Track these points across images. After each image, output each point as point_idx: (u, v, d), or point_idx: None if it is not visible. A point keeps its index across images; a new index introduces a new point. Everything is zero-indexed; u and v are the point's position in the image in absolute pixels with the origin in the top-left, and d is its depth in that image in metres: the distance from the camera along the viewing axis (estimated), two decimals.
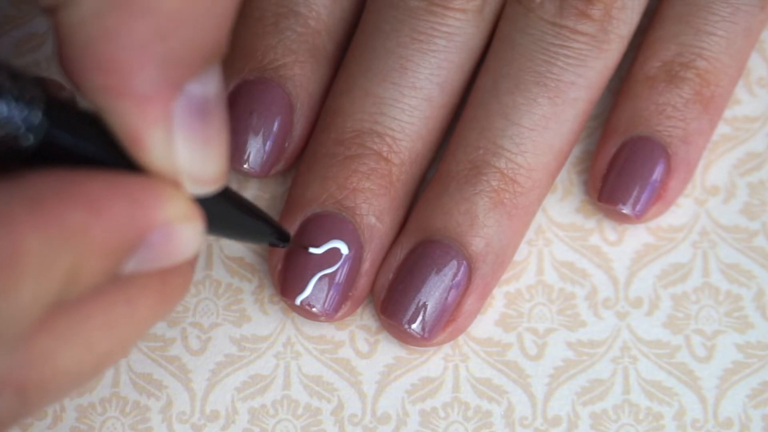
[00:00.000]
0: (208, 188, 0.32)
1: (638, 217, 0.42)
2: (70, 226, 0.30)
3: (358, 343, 0.42)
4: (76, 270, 0.30)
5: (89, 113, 0.31)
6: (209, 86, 0.31)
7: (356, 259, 0.40)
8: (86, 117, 0.31)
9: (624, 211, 0.41)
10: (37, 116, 0.30)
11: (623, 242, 0.43)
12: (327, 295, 0.40)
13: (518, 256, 0.43)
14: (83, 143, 0.31)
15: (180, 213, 0.31)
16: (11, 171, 0.30)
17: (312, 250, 0.40)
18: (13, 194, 0.29)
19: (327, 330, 0.42)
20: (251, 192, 0.43)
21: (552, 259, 0.43)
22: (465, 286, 0.40)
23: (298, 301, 0.40)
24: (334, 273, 0.40)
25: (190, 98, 0.31)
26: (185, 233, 0.32)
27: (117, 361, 0.36)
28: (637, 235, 0.43)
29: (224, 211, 0.34)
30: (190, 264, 0.34)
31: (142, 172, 0.31)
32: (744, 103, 0.44)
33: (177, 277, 0.33)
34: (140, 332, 0.33)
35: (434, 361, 0.42)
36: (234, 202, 0.35)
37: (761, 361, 0.42)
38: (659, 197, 0.41)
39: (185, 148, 0.31)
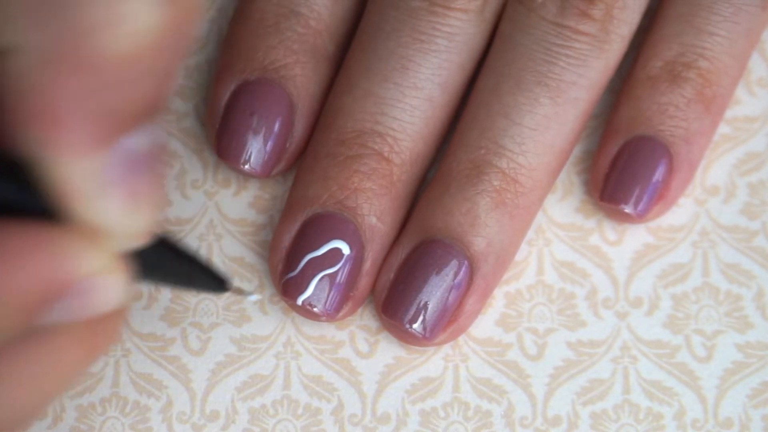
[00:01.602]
0: (137, 242, 0.31)
1: (640, 217, 0.42)
2: None
3: (358, 343, 0.42)
4: None
5: (10, 159, 0.31)
6: (144, 141, 0.30)
7: (357, 259, 0.40)
8: (6, 163, 0.31)
9: (626, 211, 0.41)
10: None
11: (623, 242, 0.43)
12: (328, 296, 0.40)
13: (518, 256, 0.43)
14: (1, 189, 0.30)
15: (101, 265, 0.31)
16: None
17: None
18: None
19: (327, 330, 0.42)
20: (251, 192, 0.43)
21: (552, 259, 0.43)
22: (466, 286, 0.40)
23: (299, 302, 0.40)
24: (336, 273, 0.40)
25: (124, 153, 0.30)
26: (108, 285, 0.31)
27: (39, 414, 0.35)
28: (637, 235, 0.43)
29: (159, 262, 0.34)
30: (119, 313, 0.33)
31: (64, 221, 0.31)
32: (744, 103, 0.44)
33: (106, 324, 0.32)
34: (67, 382, 0.32)
35: (434, 361, 0.42)
36: (170, 253, 0.34)
37: (761, 361, 0.42)
38: (661, 197, 0.41)
39: (113, 203, 0.30)
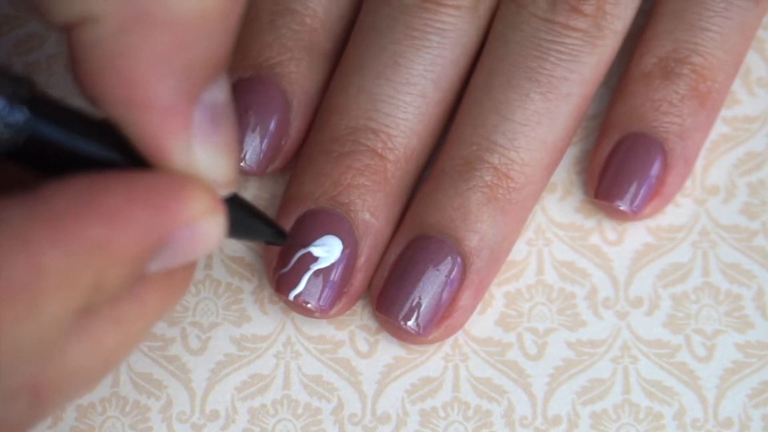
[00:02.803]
0: (225, 191, 0.33)
1: (635, 214, 0.42)
2: (90, 240, 0.30)
3: (358, 343, 0.42)
4: (101, 281, 0.30)
5: (102, 121, 0.32)
6: (221, 94, 0.32)
7: (351, 255, 0.40)
8: (79, 117, 0.32)
9: (621, 208, 0.41)
10: (21, 114, 0.30)
11: (623, 242, 0.43)
12: (321, 291, 0.40)
13: (518, 256, 0.43)
14: (76, 143, 0.31)
15: (204, 208, 0.32)
16: (26, 184, 0.31)
17: (311, 249, 0.40)
18: (30, 212, 0.30)
19: (327, 330, 0.42)
20: (250, 191, 0.44)
21: (552, 259, 0.43)
22: (460, 282, 0.40)
23: (291, 297, 0.40)
24: (329, 269, 0.40)
25: (206, 106, 0.32)
26: (209, 227, 0.32)
27: (125, 358, 0.36)
28: (637, 235, 0.43)
29: (232, 212, 0.34)
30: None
31: (159, 170, 0.32)
32: (744, 103, 0.44)
33: (181, 269, 0.33)
34: (148, 327, 0.33)
35: (434, 361, 0.42)
36: (239, 203, 0.35)
37: (761, 361, 0.42)
38: (656, 193, 0.41)
39: (203, 154, 0.32)
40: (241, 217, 0.35)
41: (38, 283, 0.29)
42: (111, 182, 0.31)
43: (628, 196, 0.41)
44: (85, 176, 0.31)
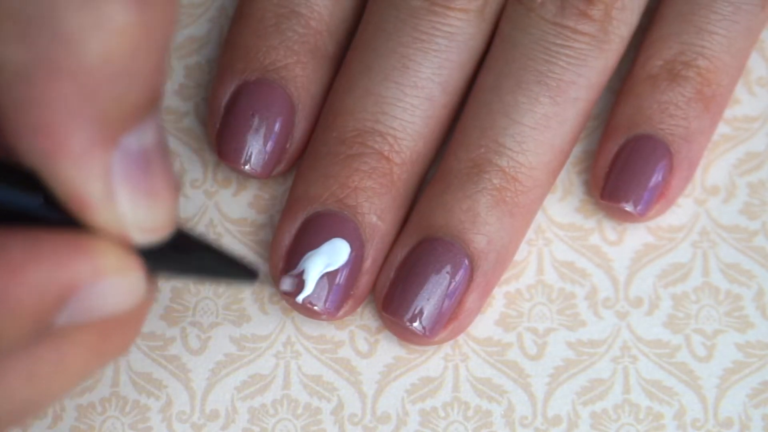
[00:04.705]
0: (156, 236, 0.31)
1: (641, 215, 0.42)
2: None
3: (358, 343, 0.42)
4: None
5: (18, 168, 0.31)
6: (146, 137, 0.31)
7: (358, 257, 0.40)
8: (14, 172, 0.31)
9: (627, 209, 0.41)
10: None
11: (623, 242, 0.43)
12: (328, 294, 0.40)
13: (518, 256, 0.43)
14: (10, 198, 0.31)
15: (113, 266, 0.31)
16: None
17: (318, 252, 0.40)
18: None
19: (327, 330, 0.42)
20: (251, 192, 0.43)
21: (552, 259, 0.43)
22: (466, 284, 0.40)
23: (300, 300, 0.40)
24: (336, 272, 0.40)
25: (130, 152, 0.30)
26: (120, 285, 0.31)
27: (44, 409, 0.35)
28: (637, 235, 0.43)
29: (182, 256, 0.34)
30: (137, 316, 0.33)
31: (77, 225, 0.31)
32: (744, 103, 0.44)
33: (118, 331, 0.32)
34: (69, 385, 0.32)
35: (434, 361, 0.42)
36: (193, 245, 0.34)
37: (761, 361, 0.42)
38: (662, 196, 0.42)
39: (127, 201, 0.30)
40: (199, 258, 0.33)
41: None
42: (11, 234, 0.30)
43: (635, 197, 0.41)
44: None
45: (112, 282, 0.31)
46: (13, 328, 0.30)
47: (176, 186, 0.32)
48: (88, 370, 0.32)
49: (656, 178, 0.41)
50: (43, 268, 0.30)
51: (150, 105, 0.30)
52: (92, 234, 0.31)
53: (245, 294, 0.42)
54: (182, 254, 0.33)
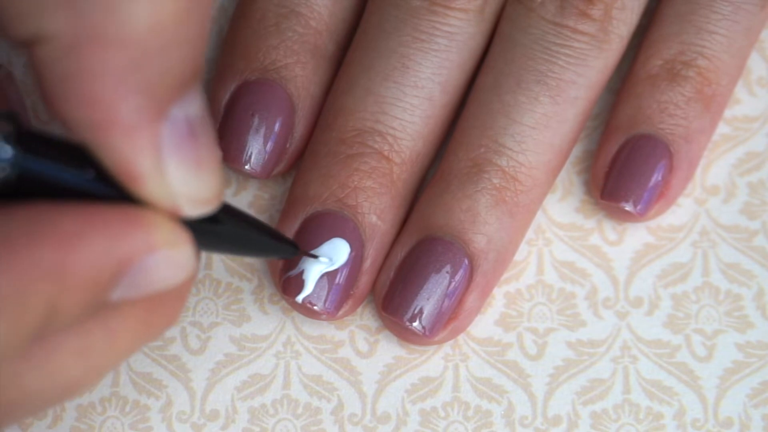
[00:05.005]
0: (207, 208, 0.32)
1: (641, 215, 0.42)
2: (41, 264, 0.29)
3: (358, 343, 0.42)
4: (55, 305, 0.30)
5: (71, 144, 0.31)
6: (192, 108, 0.31)
7: (357, 257, 0.40)
8: (67, 148, 0.31)
9: (627, 209, 0.41)
10: (6, 151, 0.30)
11: (623, 242, 0.43)
12: (328, 294, 0.40)
13: (518, 256, 0.43)
14: (64, 175, 0.31)
15: (165, 239, 0.31)
16: None
17: (318, 252, 0.40)
18: None
19: (327, 329, 0.42)
20: (251, 192, 0.44)
21: (552, 259, 0.43)
22: (466, 284, 0.40)
23: (299, 300, 0.40)
24: (336, 271, 0.40)
25: (177, 122, 0.31)
26: (172, 259, 0.31)
27: (91, 386, 0.35)
28: (637, 235, 0.43)
29: (226, 229, 0.34)
30: (183, 290, 0.33)
31: (129, 199, 0.31)
32: (744, 103, 0.44)
33: (165, 305, 0.33)
34: (118, 360, 0.32)
35: (434, 361, 0.42)
36: (236, 219, 0.35)
37: (761, 361, 0.42)
38: (662, 195, 0.42)
39: (177, 172, 0.31)
40: (241, 233, 0.35)
41: None
42: (68, 208, 0.30)
43: (635, 197, 0.41)
44: (41, 202, 0.30)
45: (165, 255, 0.31)
46: (71, 304, 0.30)
47: (221, 157, 0.32)
48: (137, 344, 0.33)
49: (656, 177, 0.41)
50: (99, 242, 0.30)
51: (195, 75, 0.31)
52: (144, 207, 0.31)
53: (245, 294, 0.42)
54: (227, 228, 0.33)
